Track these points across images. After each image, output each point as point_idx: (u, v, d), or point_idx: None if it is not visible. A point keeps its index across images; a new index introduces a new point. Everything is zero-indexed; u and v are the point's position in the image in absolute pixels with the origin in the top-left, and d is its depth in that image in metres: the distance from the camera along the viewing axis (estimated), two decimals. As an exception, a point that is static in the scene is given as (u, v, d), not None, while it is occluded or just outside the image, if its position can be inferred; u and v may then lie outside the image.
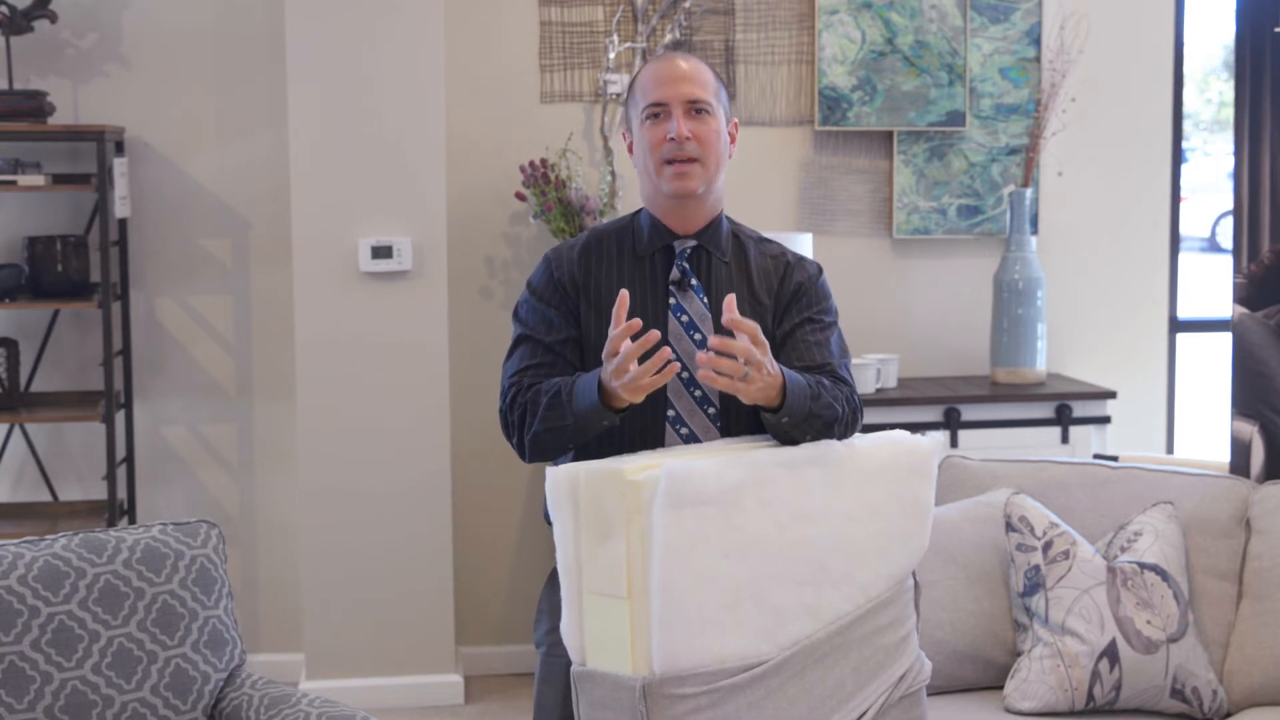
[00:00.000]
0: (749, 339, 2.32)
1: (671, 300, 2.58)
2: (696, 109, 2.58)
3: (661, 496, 2.11)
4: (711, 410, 2.54)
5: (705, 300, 2.58)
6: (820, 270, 2.70)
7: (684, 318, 2.57)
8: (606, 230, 2.68)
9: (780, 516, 2.26)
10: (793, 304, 2.62)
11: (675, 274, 2.59)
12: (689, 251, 2.62)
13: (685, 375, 2.53)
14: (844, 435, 2.49)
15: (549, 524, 2.66)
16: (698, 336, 2.55)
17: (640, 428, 2.52)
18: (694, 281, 2.59)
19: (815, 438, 2.45)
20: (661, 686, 2.10)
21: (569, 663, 2.51)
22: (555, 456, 2.57)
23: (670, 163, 2.57)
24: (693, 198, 2.59)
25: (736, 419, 2.54)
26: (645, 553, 2.12)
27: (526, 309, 2.66)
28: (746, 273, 2.63)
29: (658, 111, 2.58)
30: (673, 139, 2.55)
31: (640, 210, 2.69)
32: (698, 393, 2.54)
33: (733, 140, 2.67)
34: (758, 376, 2.32)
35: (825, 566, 2.33)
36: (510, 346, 2.68)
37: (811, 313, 2.62)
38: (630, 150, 2.67)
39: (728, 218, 2.70)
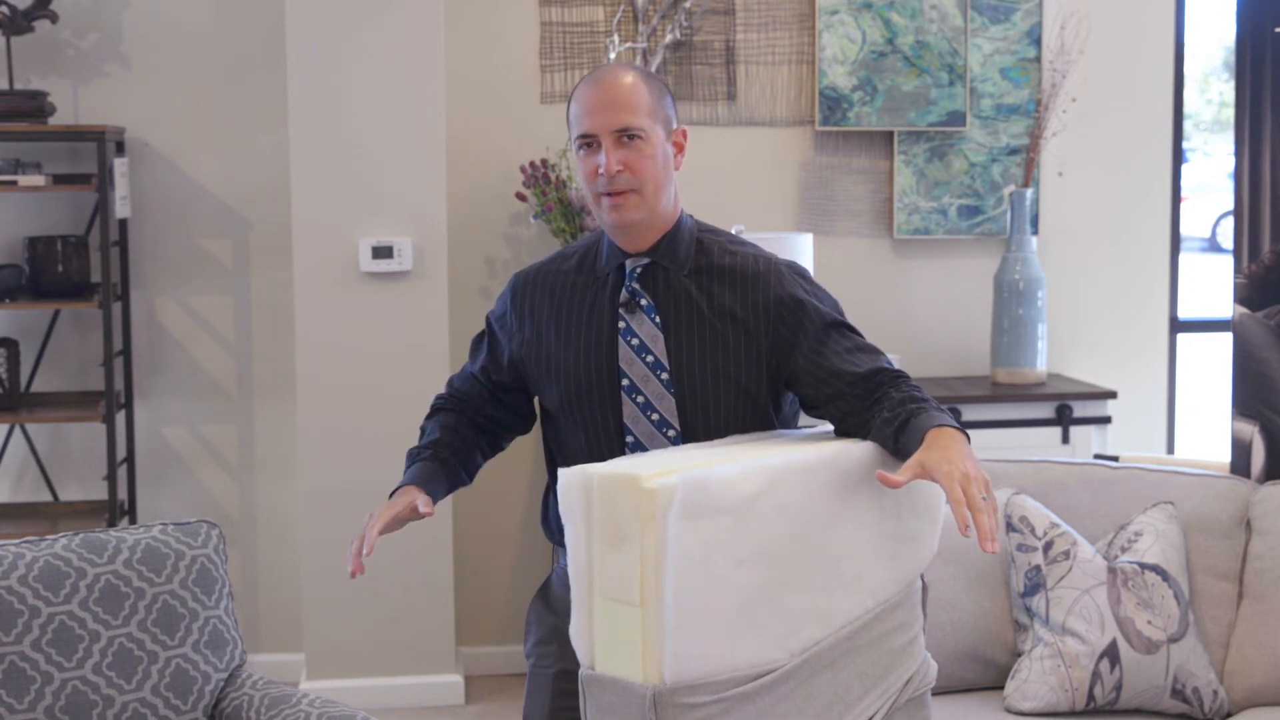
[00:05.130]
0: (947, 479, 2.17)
1: (621, 324, 2.49)
2: (629, 135, 2.45)
3: (678, 506, 2.08)
4: (672, 433, 2.48)
5: (656, 320, 2.49)
6: (798, 271, 2.55)
7: (634, 340, 2.49)
8: (575, 249, 2.63)
9: (796, 523, 2.24)
10: (795, 327, 2.48)
11: (624, 295, 2.50)
12: (640, 270, 2.52)
13: (640, 400, 2.47)
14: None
15: (550, 541, 2.65)
16: (649, 359, 2.47)
17: (607, 455, 2.46)
18: (643, 301, 2.49)
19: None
20: (672, 695, 2.08)
21: (554, 673, 2.50)
22: None
23: (606, 195, 2.46)
24: (631, 226, 2.49)
25: (702, 439, 2.47)
26: (659, 561, 2.10)
27: (484, 331, 2.73)
28: (708, 284, 2.51)
29: (590, 141, 2.47)
30: (603, 173, 2.45)
31: None
32: (655, 416, 2.48)
33: (680, 150, 2.54)
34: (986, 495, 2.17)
35: (838, 571, 2.31)
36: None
37: (825, 321, 2.49)
38: None
39: (697, 222, 2.59)
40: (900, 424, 2.33)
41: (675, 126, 2.54)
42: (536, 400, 2.68)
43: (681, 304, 2.50)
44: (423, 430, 2.73)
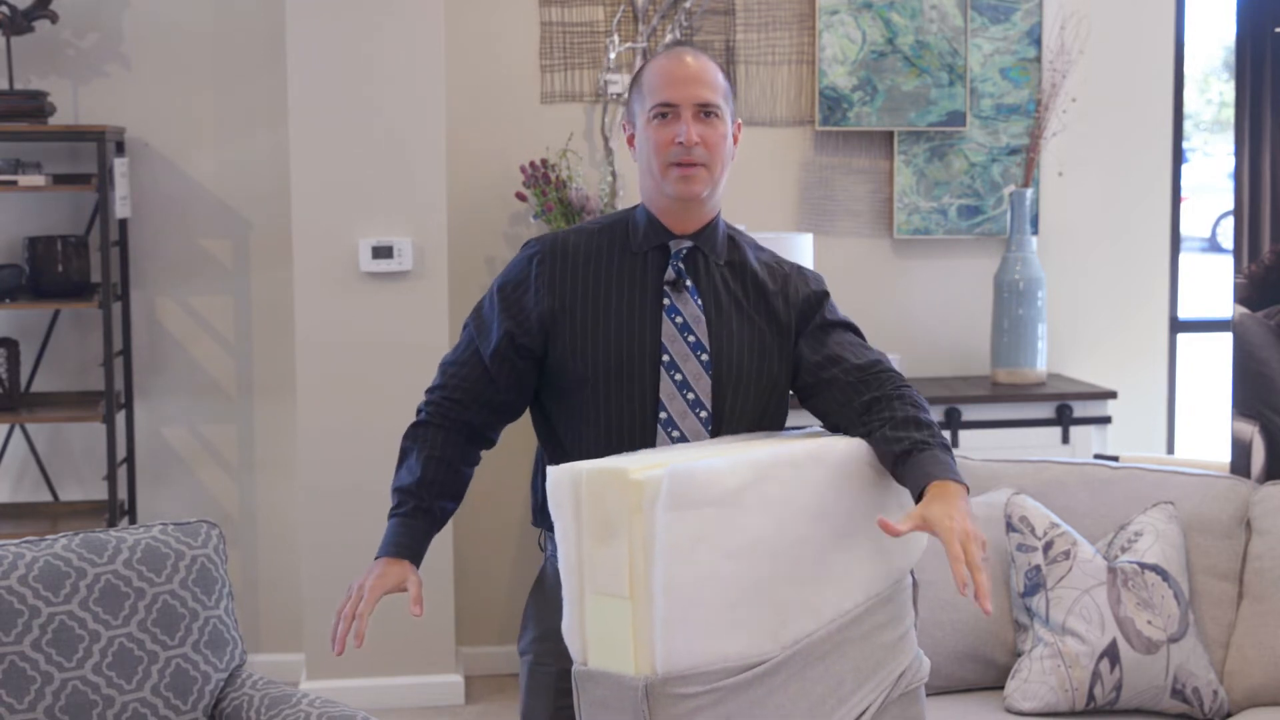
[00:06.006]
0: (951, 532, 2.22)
1: (666, 301, 2.53)
2: (706, 112, 2.52)
3: (665, 497, 2.10)
4: (704, 414, 2.50)
5: (699, 302, 2.54)
6: (825, 285, 2.66)
7: (678, 319, 2.52)
8: (597, 226, 2.63)
9: (783, 515, 2.26)
10: (810, 315, 2.59)
11: (670, 274, 2.54)
12: (684, 252, 2.57)
13: (679, 378, 2.50)
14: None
15: (536, 526, 2.65)
16: (691, 339, 2.51)
17: (632, 430, 2.49)
18: (688, 283, 2.54)
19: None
20: (664, 686, 2.09)
21: (556, 672, 2.49)
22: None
23: (676, 165, 2.51)
24: (695, 200, 2.54)
25: (729, 423, 2.52)
26: (647, 552, 2.11)
27: (490, 303, 2.65)
28: (742, 276, 2.58)
29: (666, 111, 2.51)
30: (681, 143, 2.49)
31: (637, 206, 2.63)
32: (690, 395, 2.50)
33: (735, 141, 2.61)
34: (979, 548, 2.24)
35: (827, 564, 2.33)
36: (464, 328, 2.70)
37: (837, 319, 2.59)
38: (630, 143, 2.61)
39: (724, 220, 2.65)
40: (903, 452, 2.37)
41: (735, 118, 2.61)
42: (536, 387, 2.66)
43: (720, 291, 2.56)
44: (404, 453, 2.63)
